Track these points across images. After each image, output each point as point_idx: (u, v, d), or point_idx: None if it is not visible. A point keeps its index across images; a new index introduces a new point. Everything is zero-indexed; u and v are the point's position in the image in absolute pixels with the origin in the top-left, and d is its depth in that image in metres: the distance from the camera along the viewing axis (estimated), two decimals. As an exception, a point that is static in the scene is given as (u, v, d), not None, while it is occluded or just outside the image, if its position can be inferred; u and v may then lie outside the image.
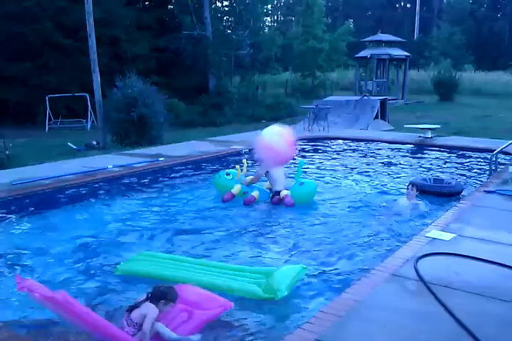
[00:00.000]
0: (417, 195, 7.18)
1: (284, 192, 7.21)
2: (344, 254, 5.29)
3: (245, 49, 25.51)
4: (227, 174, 7.61)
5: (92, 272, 4.89)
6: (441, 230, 5.36)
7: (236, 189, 7.36)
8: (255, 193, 7.36)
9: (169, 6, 28.74)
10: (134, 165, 9.39)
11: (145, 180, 8.78)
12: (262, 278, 4.33)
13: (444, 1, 58.89)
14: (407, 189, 7.23)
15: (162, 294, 3.57)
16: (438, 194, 7.51)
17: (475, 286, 4.00)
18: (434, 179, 7.97)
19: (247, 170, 7.91)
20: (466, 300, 3.78)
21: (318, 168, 9.91)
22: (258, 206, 7.26)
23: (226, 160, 10.42)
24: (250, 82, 27.58)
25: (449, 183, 7.77)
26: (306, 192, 7.29)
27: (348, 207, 7.12)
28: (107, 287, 4.54)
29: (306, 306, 4.14)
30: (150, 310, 3.49)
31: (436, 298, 3.76)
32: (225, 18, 30.33)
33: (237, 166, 7.73)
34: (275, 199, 7.24)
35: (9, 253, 5.38)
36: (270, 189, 7.57)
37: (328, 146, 12.65)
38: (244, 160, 8.00)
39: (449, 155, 11.22)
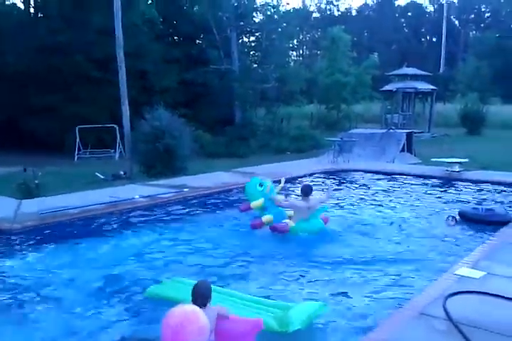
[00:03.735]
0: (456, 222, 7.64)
1: (286, 220, 7.14)
2: (370, 291, 5.15)
3: (271, 82, 25.88)
4: (260, 185, 7.54)
5: (119, 298, 4.97)
6: (471, 267, 5.22)
7: (257, 203, 7.36)
8: (268, 217, 7.22)
9: (197, 41, 29.51)
10: (160, 196, 9.48)
11: (170, 210, 8.83)
12: (279, 312, 4.22)
13: (470, 35, 59.17)
14: (447, 220, 7.67)
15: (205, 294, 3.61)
16: (488, 223, 7.64)
17: (505, 327, 3.84)
18: (484, 209, 8.11)
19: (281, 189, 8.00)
20: (498, 343, 3.63)
21: (342, 200, 9.81)
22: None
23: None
24: (275, 114, 27.81)
25: (499, 212, 7.95)
26: (309, 227, 7.10)
27: (374, 242, 6.96)
28: (136, 311, 4.61)
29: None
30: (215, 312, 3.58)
31: (467, 339, 3.62)
32: (251, 52, 30.92)
33: (269, 180, 7.80)
34: (272, 226, 7.09)
35: (37, 282, 5.42)
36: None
37: (352, 179, 12.57)
38: (282, 179, 8.17)
39: (476, 189, 11.00)
